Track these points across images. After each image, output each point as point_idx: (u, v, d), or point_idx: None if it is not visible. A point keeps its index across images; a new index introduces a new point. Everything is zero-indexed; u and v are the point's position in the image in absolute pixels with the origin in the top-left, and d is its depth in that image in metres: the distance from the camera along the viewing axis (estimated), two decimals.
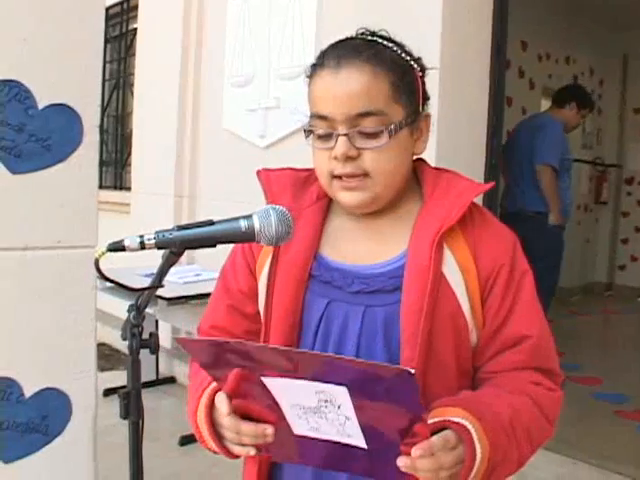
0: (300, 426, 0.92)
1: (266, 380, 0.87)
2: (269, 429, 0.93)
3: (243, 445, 0.98)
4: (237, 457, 1.02)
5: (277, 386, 0.87)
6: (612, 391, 4.24)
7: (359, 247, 1.11)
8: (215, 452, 1.04)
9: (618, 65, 8.17)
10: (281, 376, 0.85)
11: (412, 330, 1.00)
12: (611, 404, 3.97)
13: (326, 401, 0.85)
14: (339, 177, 1.04)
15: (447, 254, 1.04)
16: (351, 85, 1.00)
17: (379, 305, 1.05)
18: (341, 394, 0.83)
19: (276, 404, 0.90)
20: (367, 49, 1.03)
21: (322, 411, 0.87)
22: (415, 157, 1.13)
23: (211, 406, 1.03)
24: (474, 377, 1.10)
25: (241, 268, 1.18)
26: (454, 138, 2.98)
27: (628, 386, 4.38)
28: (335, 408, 0.85)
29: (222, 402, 0.96)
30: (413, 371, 0.76)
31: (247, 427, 0.95)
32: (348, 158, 1.01)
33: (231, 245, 1.06)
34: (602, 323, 7.11)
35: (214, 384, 1.03)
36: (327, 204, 1.15)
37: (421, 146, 1.11)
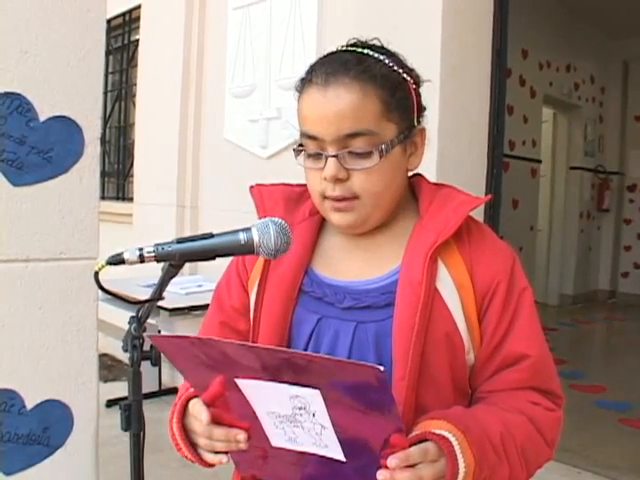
0: (277, 436, 0.91)
1: (239, 382, 0.86)
2: (241, 435, 0.92)
3: (216, 453, 0.97)
4: (211, 466, 1.00)
5: (251, 389, 0.87)
6: (616, 399, 4.22)
7: (352, 263, 1.08)
8: (192, 461, 1.03)
9: (619, 72, 8.19)
10: (254, 378, 0.85)
11: (404, 347, 0.97)
12: (615, 412, 3.95)
13: (300, 408, 0.84)
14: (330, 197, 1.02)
15: (442, 269, 1.01)
16: (339, 104, 0.96)
17: (370, 321, 1.02)
18: (315, 399, 0.82)
19: (254, 415, 0.90)
20: (356, 65, 0.98)
21: (297, 420, 0.86)
22: (411, 173, 1.10)
23: (183, 413, 1.02)
24: (471, 397, 1.06)
25: (234, 284, 1.17)
26: (455, 148, 2.97)
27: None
28: (310, 416, 0.84)
29: (200, 410, 0.95)
30: (382, 368, 0.74)
31: (219, 431, 0.94)
32: (338, 180, 0.99)
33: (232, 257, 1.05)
34: (606, 331, 7.11)
35: (189, 391, 1.02)
36: (320, 220, 1.12)
37: (415, 161, 1.06)
